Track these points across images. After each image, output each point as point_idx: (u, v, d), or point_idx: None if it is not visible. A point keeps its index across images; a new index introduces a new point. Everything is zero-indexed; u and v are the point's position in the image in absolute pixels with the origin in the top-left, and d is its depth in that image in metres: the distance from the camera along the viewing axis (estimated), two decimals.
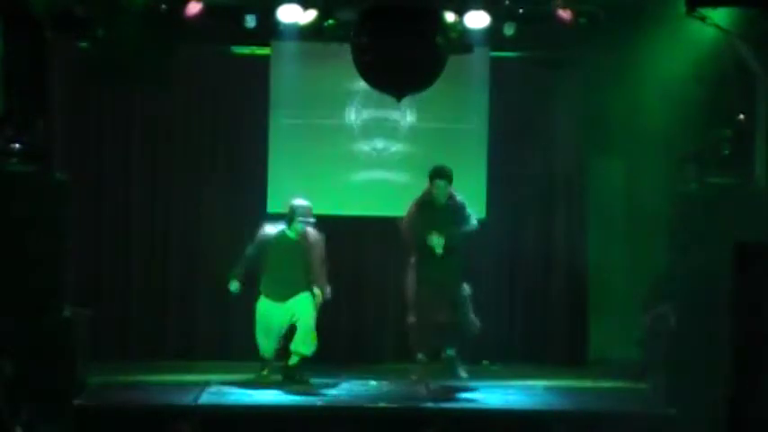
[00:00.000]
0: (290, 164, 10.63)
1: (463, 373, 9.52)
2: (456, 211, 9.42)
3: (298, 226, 9.42)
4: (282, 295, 9.50)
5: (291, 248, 9.46)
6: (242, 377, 9.63)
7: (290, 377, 9.51)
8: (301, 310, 9.47)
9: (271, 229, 9.54)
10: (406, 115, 10.75)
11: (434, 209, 9.41)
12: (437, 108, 10.79)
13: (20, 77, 9.08)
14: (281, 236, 9.49)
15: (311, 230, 9.52)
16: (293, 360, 9.54)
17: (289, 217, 9.48)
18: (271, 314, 9.51)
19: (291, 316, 9.49)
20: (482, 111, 10.81)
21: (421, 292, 9.41)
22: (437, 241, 9.31)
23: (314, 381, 9.51)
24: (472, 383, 9.48)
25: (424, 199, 9.47)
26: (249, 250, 9.56)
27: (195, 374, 9.78)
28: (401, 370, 10.08)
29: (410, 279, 9.54)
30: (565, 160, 10.91)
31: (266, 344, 9.57)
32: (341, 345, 10.52)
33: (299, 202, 9.48)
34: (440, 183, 9.38)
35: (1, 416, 7.13)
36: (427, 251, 9.35)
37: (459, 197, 9.48)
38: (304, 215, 9.41)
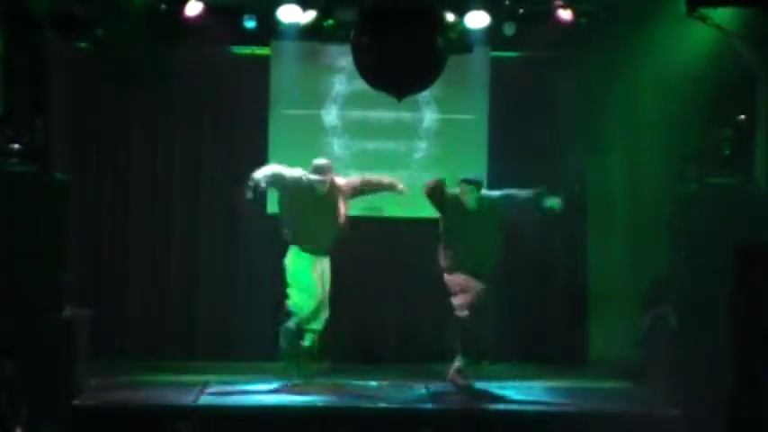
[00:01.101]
0: (290, 164, 10.60)
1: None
2: (492, 212, 9.40)
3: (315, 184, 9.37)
4: (316, 251, 9.42)
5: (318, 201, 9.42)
6: (243, 377, 9.63)
7: (313, 358, 9.49)
8: (326, 279, 9.47)
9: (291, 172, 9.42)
10: (406, 115, 10.74)
11: (465, 214, 9.39)
12: (437, 108, 10.80)
13: (20, 77, 9.08)
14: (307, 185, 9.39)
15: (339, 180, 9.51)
16: (309, 339, 9.47)
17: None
18: (306, 269, 9.40)
19: (323, 279, 9.46)
20: (482, 110, 10.82)
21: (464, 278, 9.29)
22: (555, 202, 9.29)
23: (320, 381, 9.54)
24: (472, 383, 9.48)
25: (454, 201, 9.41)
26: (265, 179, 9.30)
27: (195, 374, 9.78)
28: (401, 370, 10.09)
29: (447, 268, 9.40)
30: (565, 160, 10.91)
31: (306, 299, 9.37)
32: (342, 345, 10.50)
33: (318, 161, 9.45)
34: (470, 188, 9.32)
35: (1, 416, 7.13)
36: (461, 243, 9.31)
37: (488, 193, 9.45)
38: (319, 172, 9.35)
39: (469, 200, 9.32)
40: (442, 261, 9.37)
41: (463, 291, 9.19)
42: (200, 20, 10.07)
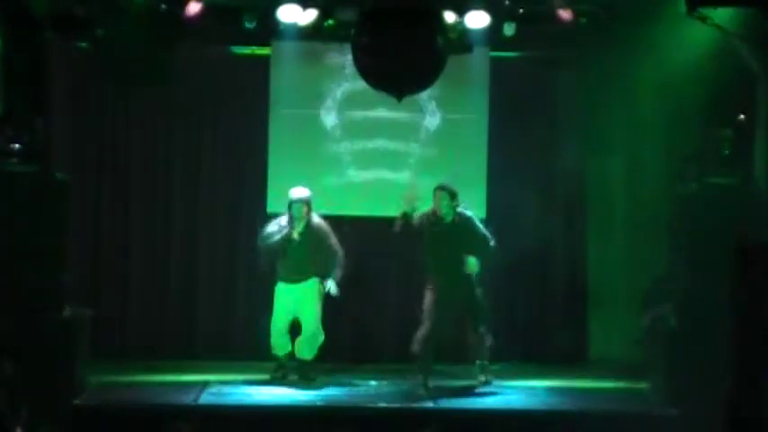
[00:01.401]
0: (290, 164, 10.63)
1: (482, 377, 9.51)
2: (466, 227, 9.41)
3: (298, 225, 9.41)
4: (293, 279, 9.47)
5: (298, 244, 9.44)
6: (243, 377, 9.64)
7: (305, 377, 9.53)
8: (305, 303, 9.46)
9: (274, 229, 9.49)
10: (406, 115, 10.74)
11: (441, 225, 9.41)
12: (437, 108, 10.80)
13: (20, 77, 9.08)
14: (285, 238, 9.44)
15: (316, 221, 9.48)
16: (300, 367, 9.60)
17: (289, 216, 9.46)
18: (281, 299, 9.48)
19: (296, 307, 9.47)
20: (482, 110, 10.81)
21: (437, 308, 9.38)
22: (472, 263, 9.32)
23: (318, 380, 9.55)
24: (472, 383, 9.48)
25: (429, 216, 9.45)
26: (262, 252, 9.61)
27: (195, 374, 9.78)
28: (401, 370, 10.08)
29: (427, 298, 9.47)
30: (565, 160, 10.91)
31: (278, 340, 9.51)
32: (342, 345, 10.50)
33: (295, 194, 9.43)
34: (442, 194, 9.37)
35: (1, 416, 7.13)
36: (441, 269, 9.37)
37: (467, 212, 9.48)
38: (298, 210, 9.38)
39: (443, 206, 9.32)
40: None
41: (423, 320, 9.35)
42: (200, 20, 10.06)
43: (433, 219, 9.38)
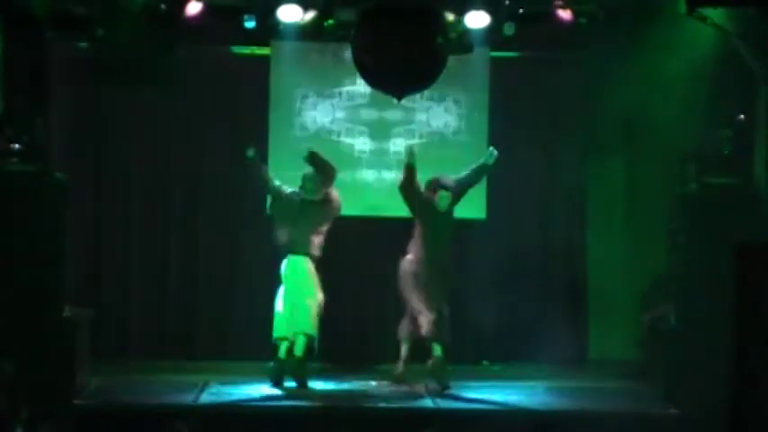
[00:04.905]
0: (289, 164, 10.62)
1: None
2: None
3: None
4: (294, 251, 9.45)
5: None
6: (243, 377, 9.63)
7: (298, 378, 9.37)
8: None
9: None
10: (406, 115, 10.74)
11: (436, 214, 9.48)
12: (437, 107, 10.80)
13: (20, 77, 9.09)
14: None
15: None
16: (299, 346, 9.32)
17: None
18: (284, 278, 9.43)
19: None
20: (482, 111, 10.81)
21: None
22: (444, 195, 9.40)
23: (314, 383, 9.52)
24: (472, 383, 9.48)
25: (425, 199, 9.50)
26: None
27: (195, 374, 9.78)
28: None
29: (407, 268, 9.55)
30: (565, 160, 10.91)
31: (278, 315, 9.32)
32: (341, 345, 10.51)
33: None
34: (442, 194, 9.44)
35: (1, 416, 7.13)
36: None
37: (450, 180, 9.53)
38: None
39: (440, 202, 9.39)
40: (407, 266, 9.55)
41: (418, 314, 9.40)
42: (200, 20, 10.06)
43: (428, 205, 9.42)
